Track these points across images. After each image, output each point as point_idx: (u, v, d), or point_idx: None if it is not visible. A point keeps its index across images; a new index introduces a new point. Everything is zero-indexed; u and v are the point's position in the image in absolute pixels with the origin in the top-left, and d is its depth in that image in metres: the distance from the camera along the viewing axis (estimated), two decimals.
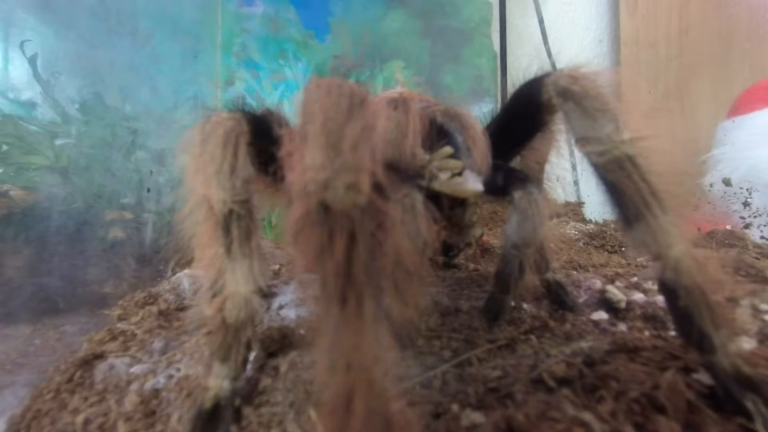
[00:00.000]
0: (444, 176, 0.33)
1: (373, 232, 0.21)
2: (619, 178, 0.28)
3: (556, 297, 0.45)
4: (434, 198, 0.33)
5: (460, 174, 0.33)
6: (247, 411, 0.31)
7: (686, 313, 0.27)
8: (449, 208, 0.36)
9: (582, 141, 0.30)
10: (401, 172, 0.33)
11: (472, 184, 0.33)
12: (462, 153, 0.35)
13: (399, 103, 0.37)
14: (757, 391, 0.25)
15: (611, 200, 0.29)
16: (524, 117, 0.37)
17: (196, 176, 0.32)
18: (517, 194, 0.33)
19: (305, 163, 0.21)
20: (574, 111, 0.30)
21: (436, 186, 0.33)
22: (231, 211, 0.31)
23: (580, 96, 0.30)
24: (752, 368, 0.25)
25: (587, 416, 0.26)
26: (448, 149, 0.34)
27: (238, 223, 0.31)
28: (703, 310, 0.26)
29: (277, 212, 0.76)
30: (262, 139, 0.34)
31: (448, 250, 0.46)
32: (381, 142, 0.32)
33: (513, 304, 0.38)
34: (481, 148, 0.35)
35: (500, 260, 0.35)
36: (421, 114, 0.36)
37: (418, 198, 0.31)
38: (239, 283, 0.31)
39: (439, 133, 0.36)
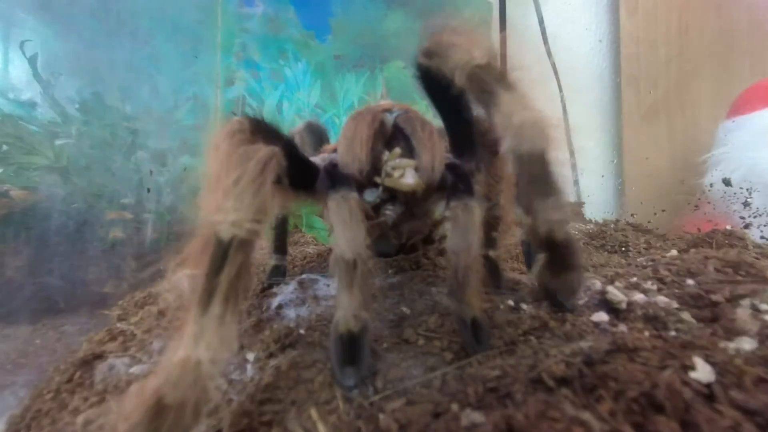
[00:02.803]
0: (397, 174, 0.38)
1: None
2: (476, 81, 0.32)
3: (555, 300, 0.45)
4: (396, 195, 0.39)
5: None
6: (249, 410, 0.31)
7: (521, 179, 0.29)
8: (412, 203, 0.41)
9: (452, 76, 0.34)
10: (345, 173, 0.39)
11: (408, 179, 0.38)
12: (414, 153, 0.40)
13: (358, 115, 0.43)
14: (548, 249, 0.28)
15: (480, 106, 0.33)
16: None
17: (212, 196, 0.29)
18: (453, 203, 0.37)
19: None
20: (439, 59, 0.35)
21: (386, 182, 0.39)
22: (234, 237, 0.27)
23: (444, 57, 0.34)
24: (563, 234, 0.28)
25: (586, 416, 0.26)
26: (397, 150, 0.40)
27: (236, 254, 0.27)
28: (539, 171, 0.28)
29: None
30: (294, 161, 0.37)
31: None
32: (341, 147, 0.41)
33: (480, 318, 0.37)
34: (430, 149, 0.40)
35: (450, 270, 0.37)
36: (375, 122, 0.41)
37: (354, 196, 0.36)
38: (201, 344, 0.25)
39: (399, 136, 0.42)
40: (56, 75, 0.77)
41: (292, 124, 1.21)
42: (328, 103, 1.25)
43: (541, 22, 1.33)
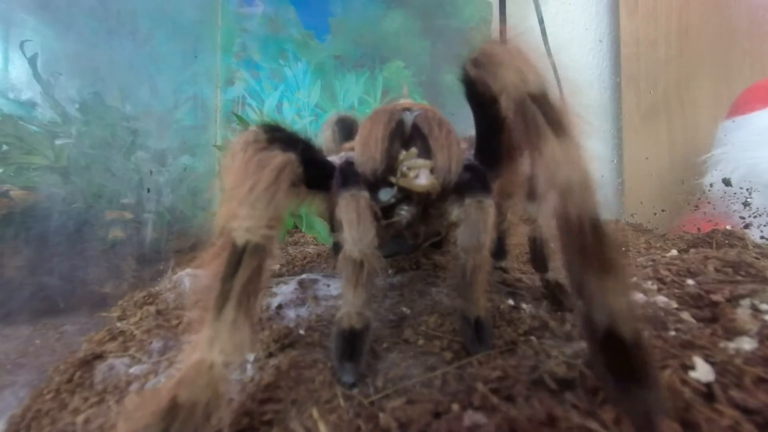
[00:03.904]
0: (412, 174, 0.37)
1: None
2: (521, 113, 0.28)
3: (554, 298, 0.45)
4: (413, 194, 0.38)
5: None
6: (249, 409, 0.31)
7: (568, 250, 0.24)
8: (428, 205, 0.40)
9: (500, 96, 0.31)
10: (358, 172, 0.39)
11: (421, 180, 0.37)
12: (430, 154, 0.39)
13: (375, 114, 0.43)
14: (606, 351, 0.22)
15: (521, 142, 0.29)
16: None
17: (228, 204, 0.30)
18: (468, 201, 0.36)
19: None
20: (486, 72, 0.32)
21: (400, 182, 0.38)
22: (248, 243, 0.28)
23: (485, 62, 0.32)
24: (631, 331, 0.22)
25: (593, 424, 0.26)
26: (413, 150, 0.39)
27: (250, 259, 0.28)
28: (592, 242, 0.23)
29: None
30: (311, 163, 0.37)
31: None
32: (357, 145, 0.41)
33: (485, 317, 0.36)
34: (447, 150, 0.38)
35: (456, 267, 0.36)
36: (392, 121, 0.41)
37: (364, 195, 0.36)
38: (215, 348, 0.26)
39: (417, 136, 0.41)
40: (56, 75, 0.77)
41: (292, 124, 1.21)
42: (328, 103, 1.25)
43: (541, 22, 1.33)
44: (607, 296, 0.22)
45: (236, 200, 0.29)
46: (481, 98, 0.34)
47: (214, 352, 0.25)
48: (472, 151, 0.44)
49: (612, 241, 0.23)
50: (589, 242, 0.23)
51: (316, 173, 0.39)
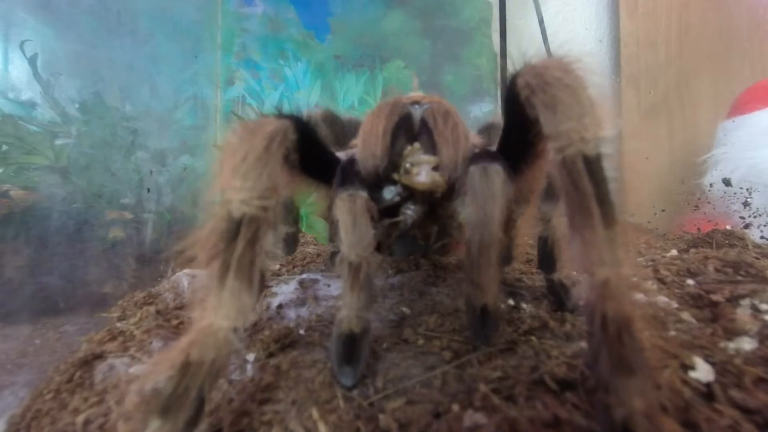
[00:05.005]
0: (415, 171, 0.36)
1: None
2: (572, 177, 0.25)
3: (557, 298, 0.45)
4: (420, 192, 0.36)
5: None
6: (249, 409, 0.31)
7: (595, 345, 0.24)
8: (435, 203, 0.38)
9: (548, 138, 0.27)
10: (358, 170, 0.37)
11: (421, 177, 0.35)
12: (436, 150, 0.37)
13: (378, 107, 0.41)
14: None
15: (563, 203, 0.26)
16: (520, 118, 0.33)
17: (223, 174, 0.29)
18: (472, 168, 0.33)
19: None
20: (542, 105, 0.28)
21: (403, 180, 0.36)
22: (244, 215, 0.28)
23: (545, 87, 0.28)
24: (646, 428, 0.22)
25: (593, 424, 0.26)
26: (416, 145, 0.37)
27: (246, 230, 0.28)
28: (614, 345, 0.23)
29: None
30: (310, 143, 0.35)
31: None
32: (359, 141, 0.39)
33: (500, 307, 0.34)
34: (452, 145, 0.36)
35: (466, 250, 0.33)
36: (394, 115, 0.38)
37: (362, 196, 0.34)
38: (220, 314, 0.27)
39: (424, 131, 0.39)
40: (56, 75, 0.77)
41: None
42: (328, 103, 1.25)
43: (541, 22, 1.33)
44: (631, 396, 0.22)
45: (229, 170, 0.29)
46: (520, 111, 0.30)
47: (219, 318, 0.27)
48: (489, 143, 0.41)
49: (643, 344, 0.23)
50: (622, 345, 0.23)
51: (317, 160, 0.38)
